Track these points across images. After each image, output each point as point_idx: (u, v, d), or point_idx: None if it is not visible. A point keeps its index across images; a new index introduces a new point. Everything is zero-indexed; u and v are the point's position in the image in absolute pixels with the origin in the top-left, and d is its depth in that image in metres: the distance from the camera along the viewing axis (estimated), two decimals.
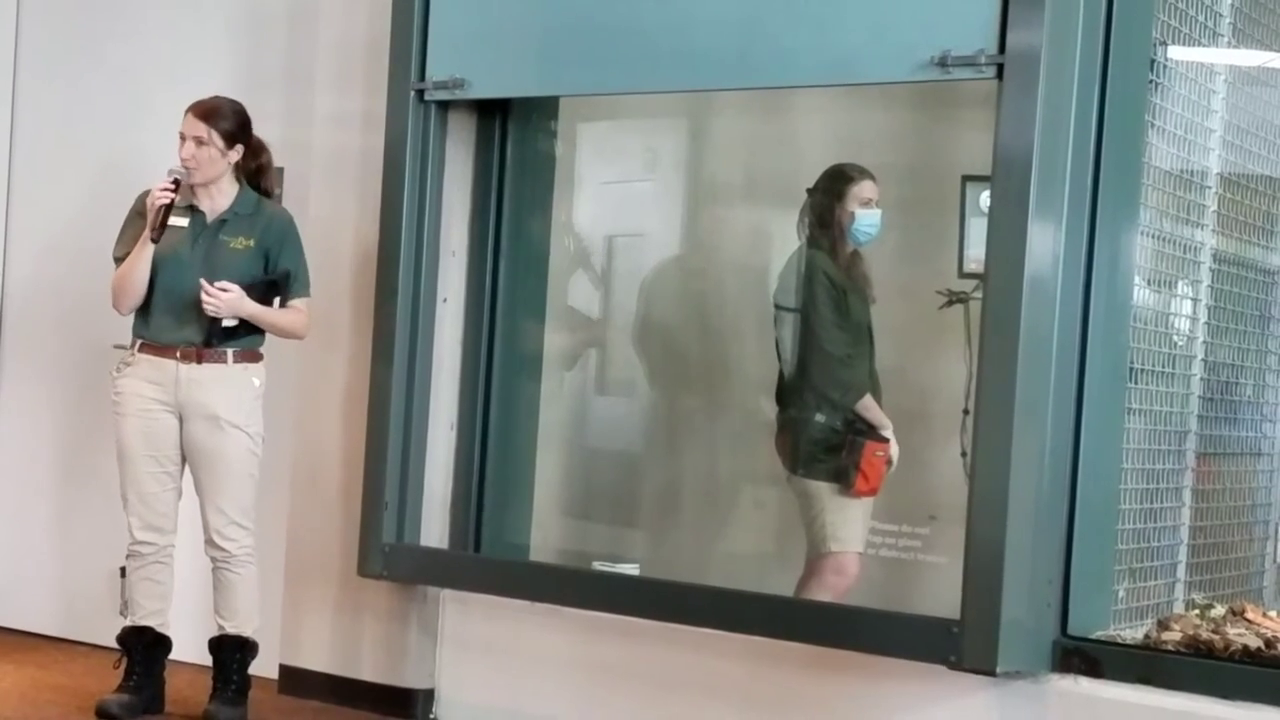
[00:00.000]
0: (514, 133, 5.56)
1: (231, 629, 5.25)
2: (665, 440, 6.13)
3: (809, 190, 5.37)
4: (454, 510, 5.52)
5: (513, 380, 5.63)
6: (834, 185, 5.32)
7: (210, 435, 5.16)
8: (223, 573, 5.24)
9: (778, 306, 5.49)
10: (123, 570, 6.24)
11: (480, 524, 5.53)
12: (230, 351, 5.15)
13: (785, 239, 5.52)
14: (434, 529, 5.49)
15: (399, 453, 5.39)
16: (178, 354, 5.14)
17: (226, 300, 5.05)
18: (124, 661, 5.34)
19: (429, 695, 5.55)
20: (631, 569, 5.45)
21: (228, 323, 5.11)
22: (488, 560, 5.50)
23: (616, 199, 6.18)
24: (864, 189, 5.29)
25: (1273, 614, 4.62)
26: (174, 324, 5.14)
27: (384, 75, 5.44)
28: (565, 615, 5.21)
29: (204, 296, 5.01)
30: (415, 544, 5.43)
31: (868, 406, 5.26)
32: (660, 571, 5.58)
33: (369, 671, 5.58)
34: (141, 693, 5.29)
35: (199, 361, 5.13)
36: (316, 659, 5.55)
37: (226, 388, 5.16)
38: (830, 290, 5.28)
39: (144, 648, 5.31)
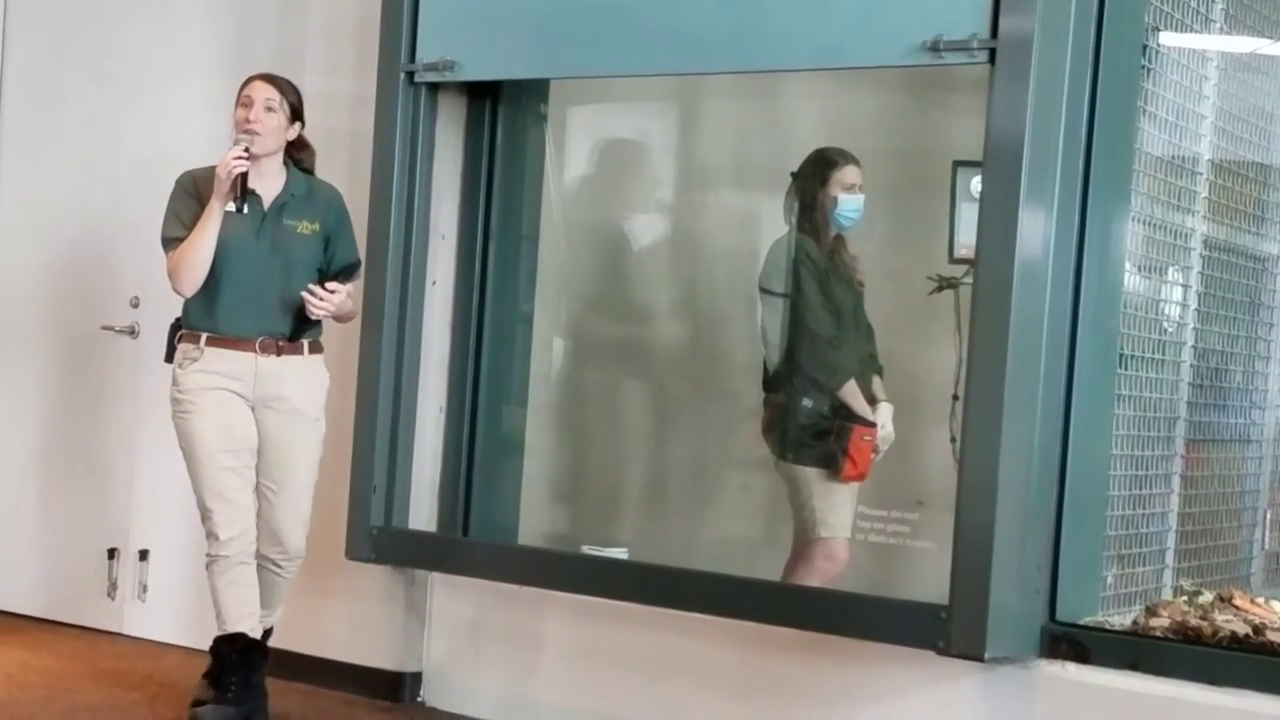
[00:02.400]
0: (504, 115, 5.55)
1: (263, 622, 5.08)
2: (654, 425, 6.13)
3: (793, 174, 5.36)
4: (442, 493, 5.51)
5: (502, 363, 5.63)
6: (818, 170, 5.31)
7: (288, 427, 4.99)
8: (274, 574, 5.06)
9: (763, 290, 5.48)
10: (111, 552, 6.26)
11: (469, 507, 5.53)
12: (305, 343, 5.00)
13: (774, 223, 5.51)
14: (422, 512, 5.48)
15: (387, 436, 5.38)
16: (257, 346, 4.93)
17: (337, 302, 4.91)
18: (212, 670, 5.05)
19: (416, 678, 5.54)
20: (620, 553, 5.44)
21: (316, 315, 4.95)
22: (476, 544, 5.49)
23: (606, 182, 6.16)
24: (847, 174, 5.27)
25: (1260, 600, 4.63)
26: (249, 315, 4.93)
27: (374, 57, 5.42)
28: (554, 599, 5.21)
29: (313, 302, 4.85)
30: (404, 527, 5.42)
31: (852, 393, 5.25)
32: (649, 556, 5.57)
33: (357, 655, 5.58)
34: (242, 705, 4.99)
35: (278, 354, 4.95)
36: (305, 642, 5.54)
37: (306, 379, 5.02)
38: (815, 272, 5.28)
39: (239, 655, 5.01)
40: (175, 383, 4.99)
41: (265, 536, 5.02)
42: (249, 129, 4.90)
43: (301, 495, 5.04)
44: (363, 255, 5.31)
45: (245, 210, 4.86)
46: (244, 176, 4.84)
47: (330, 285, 4.90)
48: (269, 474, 5.01)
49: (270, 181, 4.99)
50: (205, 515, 4.98)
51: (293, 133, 5.02)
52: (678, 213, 6.22)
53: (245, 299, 4.93)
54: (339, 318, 5.07)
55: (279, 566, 5.05)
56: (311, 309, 4.89)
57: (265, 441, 5.00)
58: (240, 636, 5.01)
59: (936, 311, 5.19)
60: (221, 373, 4.94)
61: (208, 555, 4.99)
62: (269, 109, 4.94)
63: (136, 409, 6.15)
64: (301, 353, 5.00)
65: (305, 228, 4.99)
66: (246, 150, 4.84)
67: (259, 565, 5.03)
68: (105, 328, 6.28)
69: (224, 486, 4.94)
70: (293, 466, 5.02)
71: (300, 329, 4.98)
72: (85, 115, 6.42)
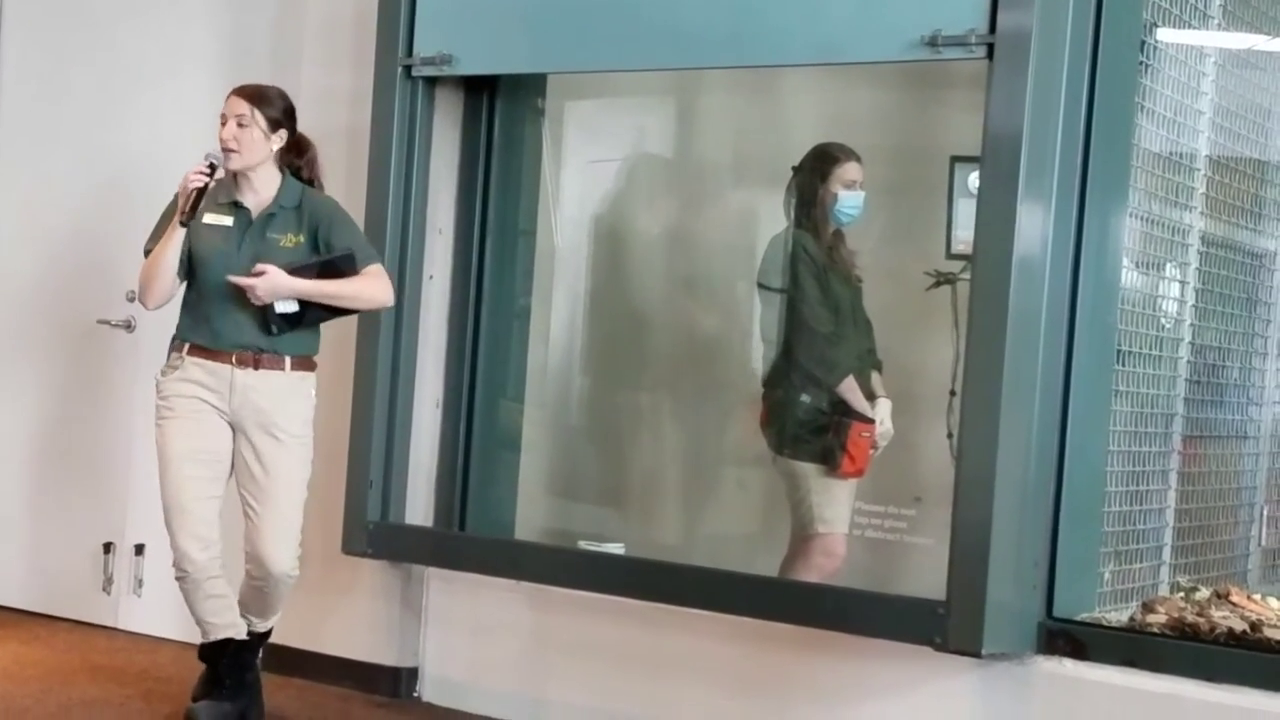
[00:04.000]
0: (501, 110, 5.54)
1: (256, 627, 5.06)
2: (651, 420, 6.12)
3: (794, 169, 5.36)
4: (439, 488, 5.51)
5: (498, 358, 5.62)
6: (819, 165, 5.30)
7: (266, 447, 4.86)
8: (261, 591, 4.96)
9: (762, 287, 5.48)
10: (107, 547, 6.25)
11: (465, 502, 5.53)
12: (288, 359, 4.85)
13: (772, 219, 5.51)
14: (419, 507, 5.48)
15: (384, 431, 5.38)
16: (233, 359, 4.83)
17: (264, 283, 4.73)
18: (206, 671, 5.03)
19: (413, 673, 5.54)
20: (617, 548, 5.44)
21: (282, 307, 4.78)
22: (472, 539, 5.49)
23: (604, 177, 6.16)
24: (848, 170, 5.27)
25: (1257, 597, 4.63)
26: (227, 327, 4.83)
27: (371, 51, 5.42)
28: (550, 594, 5.21)
29: (247, 289, 4.72)
30: (400, 522, 5.42)
31: (850, 389, 5.25)
32: (646, 551, 5.57)
33: (353, 649, 5.58)
34: (237, 700, 4.97)
35: (256, 368, 4.83)
36: (301, 637, 5.54)
37: (284, 397, 4.88)
38: (813, 268, 5.27)
39: (229, 659, 4.98)
40: (157, 389, 4.95)
41: (249, 557, 4.93)
42: (224, 148, 4.85)
43: (284, 517, 4.89)
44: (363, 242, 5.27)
45: (188, 225, 4.74)
46: (200, 192, 4.72)
47: (259, 267, 4.74)
48: (249, 493, 4.90)
49: (262, 192, 4.91)
50: (168, 529, 4.91)
51: (275, 143, 4.91)
52: (676, 208, 6.21)
53: (224, 311, 4.84)
54: (362, 302, 4.89)
55: (266, 585, 4.95)
56: (249, 293, 4.73)
57: (243, 459, 4.90)
58: (228, 641, 4.98)
59: (934, 307, 5.19)
60: (199, 383, 4.87)
61: (175, 567, 4.91)
62: (241, 125, 4.85)
63: (132, 403, 6.14)
64: (282, 368, 4.88)
65: (289, 241, 4.88)
66: (211, 167, 4.77)
67: (248, 582, 4.97)
68: (101, 322, 6.27)
69: (185, 496, 4.87)
70: (272, 486, 4.88)
71: (275, 323, 4.84)
72: (82, 110, 6.41)
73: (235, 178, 4.90)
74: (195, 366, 4.88)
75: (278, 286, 4.78)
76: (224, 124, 4.88)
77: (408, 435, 5.43)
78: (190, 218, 4.75)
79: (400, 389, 5.40)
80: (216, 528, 4.91)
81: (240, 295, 4.81)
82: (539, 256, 5.80)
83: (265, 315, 4.81)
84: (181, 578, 4.91)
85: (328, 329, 5.04)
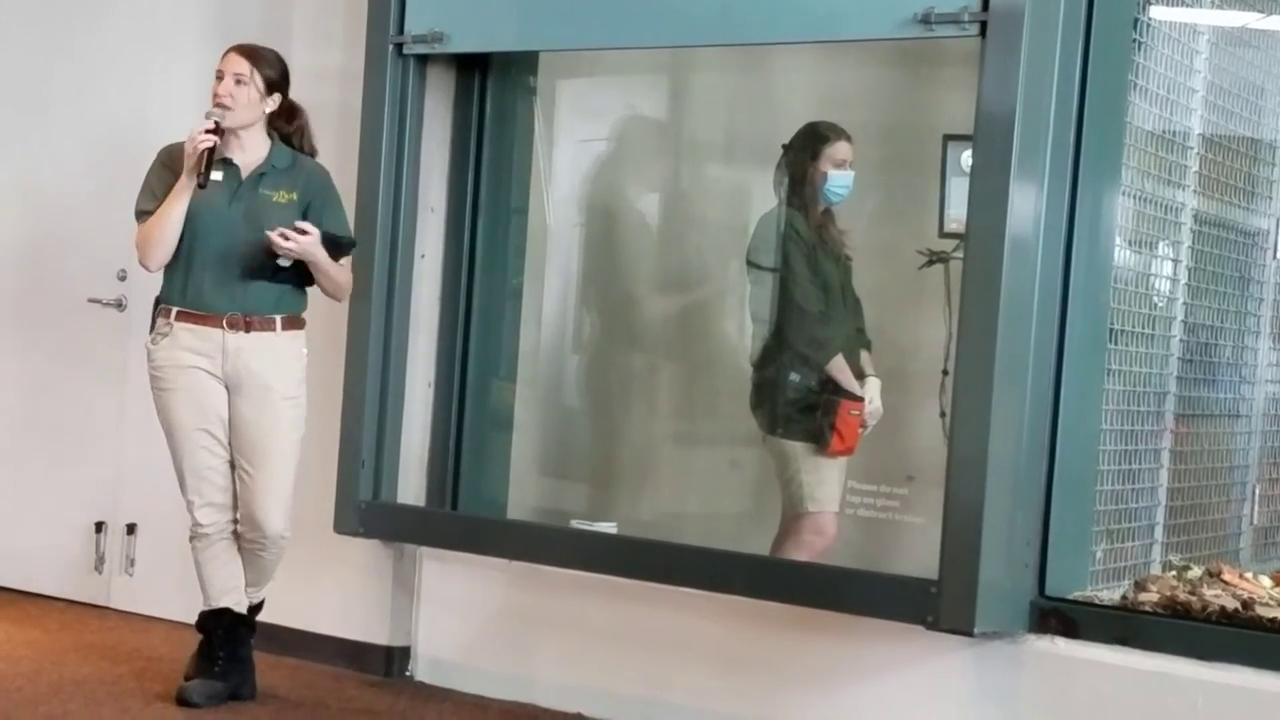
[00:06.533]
0: (493, 88, 5.53)
1: (250, 597, 5.09)
2: (643, 399, 6.12)
3: (785, 147, 5.35)
4: (431, 468, 5.51)
5: (490, 337, 5.62)
6: (809, 144, 5.29)
7: (261, 409, 4.87)
8: (256, 555, 4.99)
9: (751, 265, 5.48)
10: (98, 526, 6.25)
11: (457, 481, 5.52)
12: (279, 319, 4.88)
13: (763, 197, 5.50)
14: (411, 486, 5.47)
15: (376, 410, 5.38)
16: (224, 322, 4.84)
17: (304, 243, 4.73)
18: (200, 646, 5.06)
19: (405, 652, 5.54)
20: (609, 528, 5.44)
21: (283, 262, 4.79)
22: (465, 518, 5.49)
23: (596, 156, 6.14)
24: (838, 150, 5.26)
25: (1249, 575, 4.64)
26: (217, 288, 4.83)
27: (362, 28, 5.40)
28: (542, 573, 5.21)
29: (278, 242, 4.69)
30: (392, 501, 5.42)
31: (839, 368, 5.24)
32: (638, 530, 5.57)
33: (345, 629, 5.58)
34: (229, 678, 5.01)
35: (247, 330, 4.84)
36: (293, 616, 5.54)
37: (277, 358, 4.89)
38: (802, 246, 5.27)
39: (224, 631, 5.02)
40: (149, 358, 4.95)
41: (243, 519, 4.96)
42: (218, 103, 4.84)
43: (278, 478, 4.92)
44: (351, 229, 5.27)
45: (206, 186, 4.75)
46: (210, 152, 4.74)
47: (301, 225, 4.76)
48: (244, 455, 4.92)
49: (251, 153, 4.92)
50: (184, 493, 4.97)
51: (270, 105, 4.93)
52: (666, 187, 6.20)
53: (214, 270, 4.84)
54: (334, 288, 4.96)
55: (261, 548, 4.99)
56: (277, 246, 4.74)
57: (238, 422, 4.91)
58: (225, 612, 5.01)
59: (926, 286, 5.19)
60: (191, 349, 4.87)
61: (190, 531, 5.00)
62: (239, 82, 4.86)
63: (124, 382, 6.12)
64: (274, 329, 4.90)
65: (282, 196, 4.89)
66: (216, 125, 4.77)
67: (243, 545, 5.01)
68: (92, 300, 6.26)
69: (201, 466, 4.91)
70: (267, 448, 4.90)
71: (265, 271, 4.85)
72: (71, 85, 6.39)
73: (224, 134, 4.85)
74: (185, 332, 4.88)
75: (309, 251, 4.78)
76: (220, 79, 4.87)
77: (400, 414, 5.43)
78: (207, 179, 4.75)
79: (392, 368, 5.39)
80: (230, 492, 4.95)
81: (231, 254, 4.82)
82: (531, 235, 5.79)
83: (262, 260, 4.80)
84: (194, 537, 4.96)
85: (317, 303, 5.04)
